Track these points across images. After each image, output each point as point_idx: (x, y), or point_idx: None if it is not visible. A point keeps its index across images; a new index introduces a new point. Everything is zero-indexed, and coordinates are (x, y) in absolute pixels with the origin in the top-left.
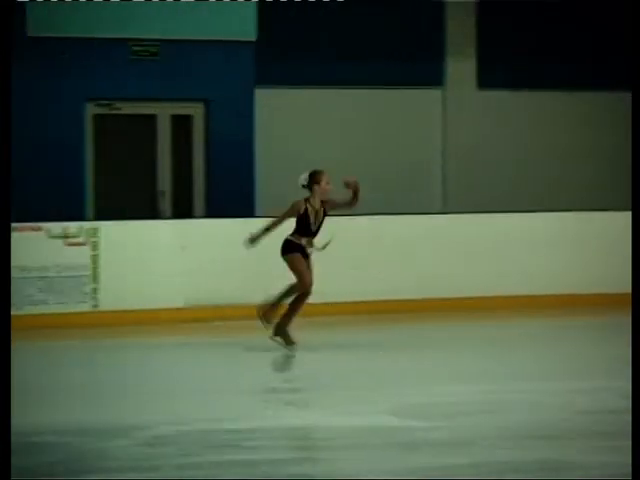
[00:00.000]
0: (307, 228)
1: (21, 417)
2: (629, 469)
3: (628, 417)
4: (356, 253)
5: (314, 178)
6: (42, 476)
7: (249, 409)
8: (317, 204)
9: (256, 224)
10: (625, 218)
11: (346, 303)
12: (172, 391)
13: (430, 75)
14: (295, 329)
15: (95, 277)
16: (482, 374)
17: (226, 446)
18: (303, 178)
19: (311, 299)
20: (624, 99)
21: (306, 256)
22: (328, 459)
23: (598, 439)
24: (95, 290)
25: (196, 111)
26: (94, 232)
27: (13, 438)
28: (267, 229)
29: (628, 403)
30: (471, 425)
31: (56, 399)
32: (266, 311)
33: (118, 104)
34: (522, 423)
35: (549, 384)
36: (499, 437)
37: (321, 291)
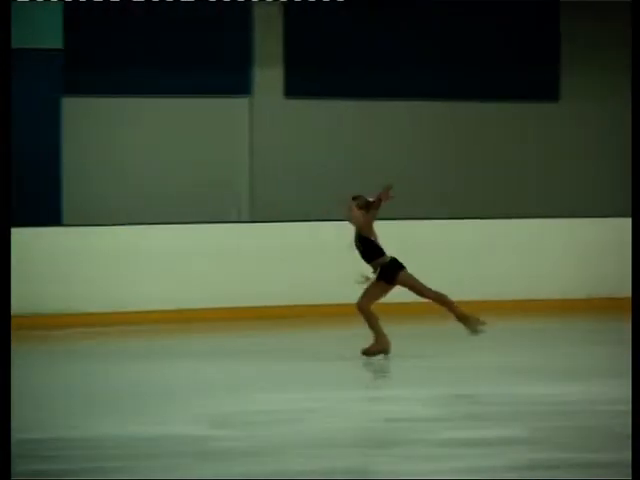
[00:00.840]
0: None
1: None
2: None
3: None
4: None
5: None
6: None
7: (59, 418)
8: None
9: (61, 233)
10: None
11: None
12: None
13: (237, 83)
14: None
15: None
16: (308, 382)
17: (27, 456)
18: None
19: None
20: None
21: None
22: (127, 468)
23: (397, 448)
24: None
25: None
26: None
27: None
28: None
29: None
30: (279, 434)
31: None
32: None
33: None
34: (328, 432)
35: (363, 393)
36: (302, 446)
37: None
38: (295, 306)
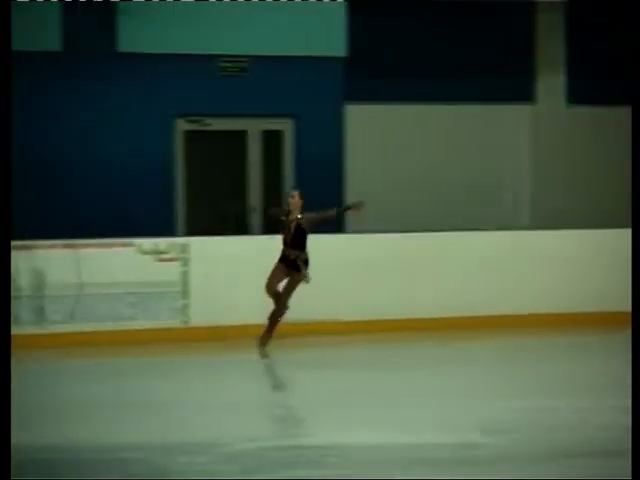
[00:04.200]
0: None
1: (100, 433)
2: None
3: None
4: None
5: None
6: None
7: (327, 425)
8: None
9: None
10: None
11: None
12: (250, 408)
13: (520, 91)
14: None
15: (185, 293)
16: None
17: (299, 463)
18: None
19: None
20: None
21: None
22: None
23: None
24: (185, 306)
25: (285, 127)
26: (184, 248)
27: (106, 454)
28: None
29: None
30: None
31: (139, 416)
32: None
33: (208, 120)
34: None
35: None
36: None
37: None
38: None
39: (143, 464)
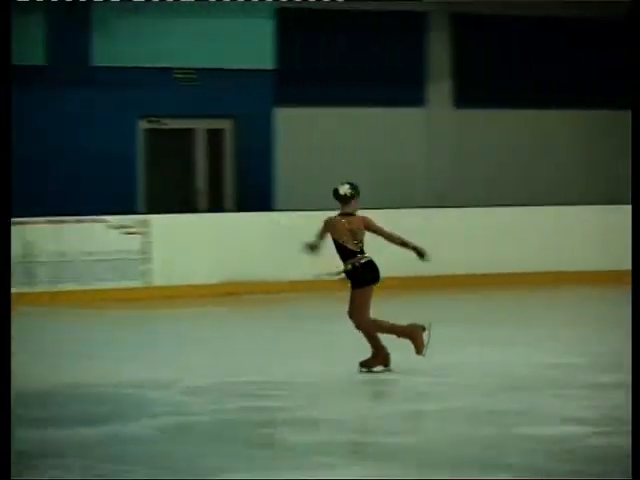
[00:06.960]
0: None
1: (72, 373)
2: None
3: None
4: None
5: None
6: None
7: (264, 365)
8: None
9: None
10: None
11: None
12: (214, 350)
13: (412, 96)
14: None
15: (147, 260)
16: None
17: (246, 395)
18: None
19: None
20: None
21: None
22: None
23: None
24: (147, 270)
25: (227, 125)
26: (145, 223)
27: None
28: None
29: None
30: None
31: (137, 358)
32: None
33: (164, 120)
34: None
35: None
36: None
37: None
38: None
39: (120, 397)
